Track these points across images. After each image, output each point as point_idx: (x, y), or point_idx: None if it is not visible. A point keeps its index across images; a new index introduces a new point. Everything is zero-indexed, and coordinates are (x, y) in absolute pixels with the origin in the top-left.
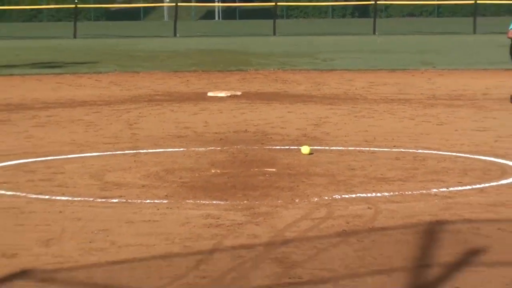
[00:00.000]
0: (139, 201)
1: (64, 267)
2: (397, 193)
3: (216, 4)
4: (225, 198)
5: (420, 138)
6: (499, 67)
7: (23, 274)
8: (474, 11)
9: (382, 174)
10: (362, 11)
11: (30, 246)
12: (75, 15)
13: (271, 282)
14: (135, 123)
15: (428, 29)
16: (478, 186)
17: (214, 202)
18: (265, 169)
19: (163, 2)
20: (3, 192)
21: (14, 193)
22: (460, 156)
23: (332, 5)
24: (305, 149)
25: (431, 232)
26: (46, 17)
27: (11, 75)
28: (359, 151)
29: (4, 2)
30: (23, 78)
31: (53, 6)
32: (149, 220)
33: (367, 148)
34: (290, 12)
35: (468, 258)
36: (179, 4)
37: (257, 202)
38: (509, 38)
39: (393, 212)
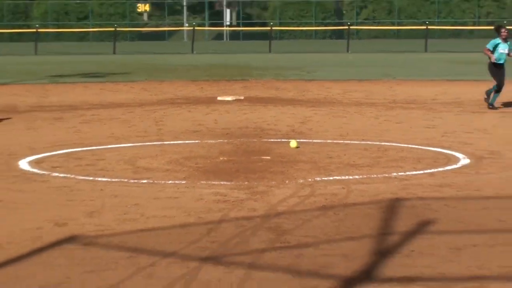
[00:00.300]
0: (163, 182)
1: (104, 234)
2: (365, 176)
3: (225, 28)
4: (231, 179)
5: (383, 133)
6: (445, 78)
7: (71, 239)
8: (426, 34)
9: (353, 161)
10: (338, 34)
11: (77, 217)
12: (114, 36)
13: (266, 246)
14: (160, 120)
15: (390, 48)
16: (428, 171)
17: (222, 182)
18: (262, 157)
19: (183, 27)
20: (56, 174)
21: (65, 175)
22: (415, 148)
23: (315, 30)
24: (293, 143)
25: (391, 207)
26: (92, 38)
27: (64, 83)
28: (335, 143)
29: (60, 26)
30: (73, 85)
31: (97, 29)
32: (171, 197)
33: (342, 141)
34: (282, 35)
35: (421, 228)
36: (196, 28)
37: (255, 183)
38: (485, 54)
39: (362, 191)
